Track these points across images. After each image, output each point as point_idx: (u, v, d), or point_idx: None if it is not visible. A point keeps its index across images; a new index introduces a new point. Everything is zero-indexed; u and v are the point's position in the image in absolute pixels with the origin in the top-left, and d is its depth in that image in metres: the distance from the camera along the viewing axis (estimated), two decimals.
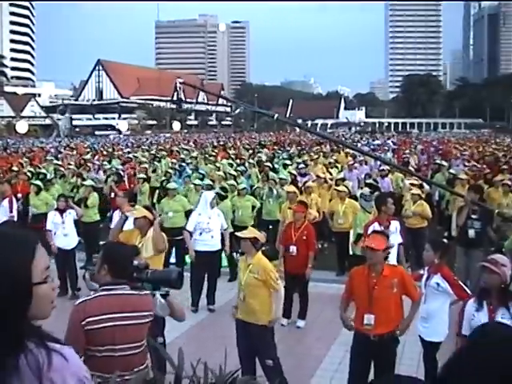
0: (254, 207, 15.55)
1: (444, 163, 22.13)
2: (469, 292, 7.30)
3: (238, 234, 8.20)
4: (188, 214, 13.38)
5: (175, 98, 10.08)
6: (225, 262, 13.80)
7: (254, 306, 7.68)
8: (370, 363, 7.00)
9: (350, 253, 12.94)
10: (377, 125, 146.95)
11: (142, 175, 19.72)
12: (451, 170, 20.03)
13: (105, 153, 36.62)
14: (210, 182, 16.86)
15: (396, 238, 10.11)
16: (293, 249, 10.79)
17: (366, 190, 13.50)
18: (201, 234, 11.73)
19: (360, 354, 7.04)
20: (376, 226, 9.86)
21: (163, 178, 19.53)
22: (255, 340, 7.68)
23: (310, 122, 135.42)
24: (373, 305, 6.70)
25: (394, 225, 10.36)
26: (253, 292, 7.71)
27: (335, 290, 11.82)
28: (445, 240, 8.01)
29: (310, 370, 8.72)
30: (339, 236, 14.39)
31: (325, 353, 9.32)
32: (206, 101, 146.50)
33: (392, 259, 9.51)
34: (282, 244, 11.18)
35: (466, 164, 23.93)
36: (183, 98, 9.03)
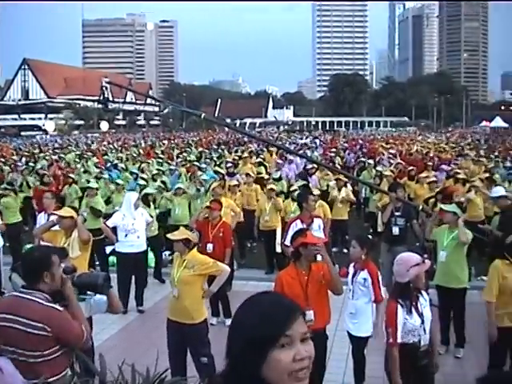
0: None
1: (370, 161, 22.52)
2: (383, 296, 7.45)
3: (170, 236, 8.12)
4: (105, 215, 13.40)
5: (101, 98, 10.01)
6: (153, 263, 13.80)
7: (187, 304, 7.61)
8: None
9: (278, 251, 13.03)
10: (305, 123, 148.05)
11: (72, 176, 19.49)
12: (377, 168, 20.37)
13: (30, 153, 36.00)
14: (144, 182, 16.83)
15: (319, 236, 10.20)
16: (209, 246, 10.82)
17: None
18: (126, 235, 11.62)
19: None
20: (298, 224, 9.95)
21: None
22: (189, 339, 7.64)
23: (238, 121, 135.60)
24: (309, 300, 6.68)
25: (317, 222, 10.44)
26: (186, 289, 7.65)
27: (265, 288, 11.84)
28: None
29: None
30: (266, 234, 14.43)
31: None
32: (134, 100, 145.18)
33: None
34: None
35: (392, 161, 24.35)
36: (110, 98, 8.93)
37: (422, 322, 5.90)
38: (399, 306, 5.90)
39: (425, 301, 6.06)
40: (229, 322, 10.58)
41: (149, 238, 12.56)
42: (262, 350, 1.88)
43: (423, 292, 6.14)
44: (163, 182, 17.52)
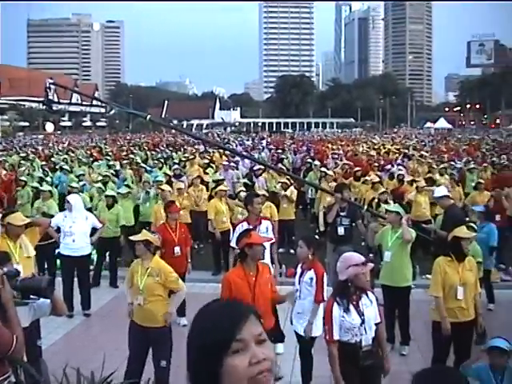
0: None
1: (316, 162, 22.67)
2: (325, 299, 7.52)
3: (132, 237, 8.07)
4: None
5: (46, 99, 9.86)
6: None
7: (153, 310, 7.55)
8: None
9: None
10: (252, 125, 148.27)
11: (23, 178, 19.15)
12: (323, 169, 20.51)
13: None
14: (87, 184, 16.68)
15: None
16: (177, 250, 10.79)
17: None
18: (64, 237, 11.52)
19: None
20: (245, 226, 9.97)
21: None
22: (154, 343, 7.56)
23: (185, 123, 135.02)
24: (256, 301, 6.69)
25: (265, 224, 10.47)
26: (153, 295, 7.58)
27: (212, 289, 11.96)
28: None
29: None
30: (223, 235, 14.05)
31: None
32: (79, 101, 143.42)
33: (266, 259, 9.71)
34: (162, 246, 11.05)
35: (338, 162, 24.55)
36: (55, 99, 8.81)
37: (363, 322, 5.96)
38: (335, 304, 5.98)
39: (369, 301, 6.12)
40: (183, 321, 10.59)
41: (105, 240, 12.62)
42: (217, 357, 1.79)
43: (369, 292, 6.22)
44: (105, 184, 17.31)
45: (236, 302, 2.01)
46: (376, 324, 6.18)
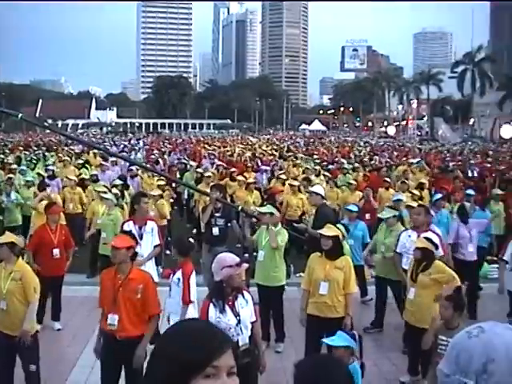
0: None
1: (192, 163, 22.71)
2: (192, 299, 7.62)
3: None
4: None
5: None
6: None
7: (17, 315, 7.28)
8: (121, 368, 6.84)
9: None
10: (128, 125, 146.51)
11: None
12: (199, 170, 20.57)
13: None
14: None
15: (152, 239, 10.18)
16: (56, 252, 10.53)
17: None
18: None
19: (108, 357, 6.83)
20: (130, 225, 9.90)
21: None
22: (20, 349, 7.26)
23: (60, 122, 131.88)
24: (117, 305, 6.65)
25: (150, 225, 10.39)
26: (16, 300, 7.30)
27: (86, 292, 11.77)
28: (190, 239, 8.27)
29: (63, 374, 8.57)
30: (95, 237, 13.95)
31: (78, 356, 9.12)
32: None
33: (148, 262, 9.68)
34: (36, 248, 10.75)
35: (216, 163, 24.66)
36: None
37: (239, 322, 6.05)
38: (211, 305, 6.04)
39: (245, 301, 6.20)
40: (57, 325, 10.34)
41: None
42: (186, 377, 1.75)
43: (245, 292, 6.31)
44: None
45: (216, 328, 1.96)
46: (252, 323, 6.28)
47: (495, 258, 12.65)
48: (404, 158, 30.39)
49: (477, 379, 1.81)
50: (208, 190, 12.63)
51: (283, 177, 18.47)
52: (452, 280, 8.14)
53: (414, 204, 11.84)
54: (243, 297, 6.20)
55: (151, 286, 6.94)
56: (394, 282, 10.38)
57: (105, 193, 13.89)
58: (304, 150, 42.95)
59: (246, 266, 6.35)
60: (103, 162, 23.14)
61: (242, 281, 6.34)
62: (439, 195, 14.02)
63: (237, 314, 6.05)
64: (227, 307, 6.05)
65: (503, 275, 10.47)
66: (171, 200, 17.49)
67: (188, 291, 7.58)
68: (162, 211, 14.34)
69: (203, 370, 1.76)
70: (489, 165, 29.23)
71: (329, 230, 8.13)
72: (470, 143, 75.58)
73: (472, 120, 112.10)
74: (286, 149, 39.91)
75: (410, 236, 9.85)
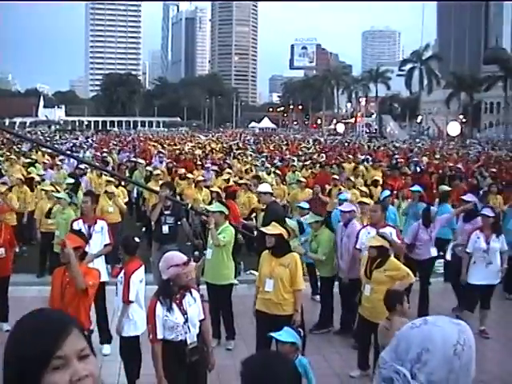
0: None
1: (141, 161, 22.58)
2: (131, 299, 7.58)
3: None
4: None
5: None
6: None
7: None
8: None
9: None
10: (77, 123, 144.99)
11: None
12: (148, 168, 20.47)
13: None
14: None
15: (102, 238, 10.09)
16: (1, 251, 10.35)
17: None
18: None
19: None
20: (80, 224, 9.84)
21: None
22: None
23: (7, 121, 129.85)
24: (64, 303, 6.62)
25: (100, 224, 10.30)
26: None
27: (36, 292, 11.63)
28: (136, 238, 8.21)
29: None
30: (46, 236, 13.75)
31: None
32: None
33: (98, 261, 9.58)
34: None
35: (166, 161, 24.54)
36: None
37: (186, 320, 6.04)
38: (158, 303, 6.03)
39: (193, 299, 6.19)
40: (5, 326, 10.22)
41: None
42: (35, 374, 1.65)
43: (193, 290, 6.32)
44: None
45: (58, 313, 1.88)
46: (200, 321, 6.29)
47: (441, 253, 12.83)
48: (351, 156, 30.60)
49: (411, 368, 1.85)
50: (157, 188, 12.59)
51: (226, 176, 18.47)
52: (406, 277, 8.28)
53: (367, 200, 12.02)
54: (191, 295, 6.19)
55: (99, 282, 6.93)
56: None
57: (57, 192, 13.75)
58: (253, 147, 43.02)
59: (193, 265, 6.36)
60: (46, 161, 22.82)
61: (191, 279, 6.34)
62: (387, 192, 14.20)
63: (184, 313, 6.04)
64: (174, 305, 6.04)
65: (465, 267, 10.58)
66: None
67: (127, 290, 7.54)
68: (121, 206, 14.36)
69: (48, 363, 1.67)
70: (436, 161, 29.74)
71: (271, 228, 8.18)
72: (417, 140, 76.87)
73: (420, 117, 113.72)
74: (235, 147, 39.96)
75: (369, 233, 9.93)
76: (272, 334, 5.74)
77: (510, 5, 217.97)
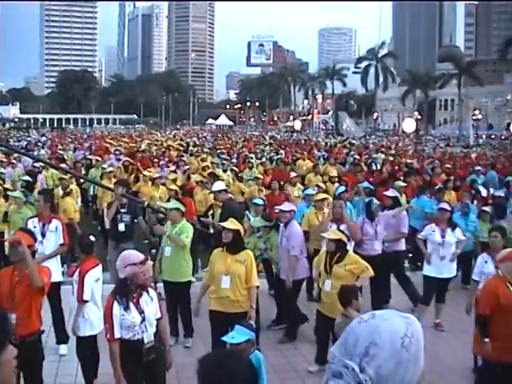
0: None
1: (98, 158, 22.38)
2: (86, 298, 7.49)
3: None
4: None
5: None
6: None
7: None
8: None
9: None
10: (32, 121, 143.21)
11: None
12: (104, 165, 20.30)
13: None
14: None
15: (56, 238, 9.93)
16: None
17: None
18: None
19: None
20: (35, 222, 9.72)
21: None
22: None
23: None
24: (14, 303, 6.47)
25: (55, 224, 10.10)
26: None
27: None
28: (92, 237, 8.14)
29: None
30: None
31: None
32: None
33: (52, 261, 9.46)
34: None
35: (121, 158, 24.33)
36: None
37: (144, 319, 6.02)
38: (115, 302, 6.00)
39: (150, 298, 6.17)
40: None
41: None
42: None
43: (150, 289, 6.29)
44: None
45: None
46: (157, 319, 6.27)
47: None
48: (306, 153, 30.70)
49: (360, 362, 1.87)
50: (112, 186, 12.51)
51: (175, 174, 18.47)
52: (366, 270, 8.36)
53: (323, 196, 12.16)
54: (148, 294, 6.18)
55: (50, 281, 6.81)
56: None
57: (11, 191, 13.57)
58: (210, 144, 42.94)
59: (150, 263, 6.35)
60: (3, 159, 22.50)
61: (149, 277, 6.32)
62: (342, 188, 14.30)
63: (141, 312, 6.03)
64: (131, 304, 6.02)
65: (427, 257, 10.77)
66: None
67: (82, 290, 7.48)
68: (66, 208, 14.14)
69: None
70: (391, 158, 29.99)
71: (230, 224, 8.20)
72: (373, 137, 77.56)
73: (375, 114, 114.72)
74: (192, 144, 39.83)
75: (331, 226, 9.98)
76: (225, 339, 5.72)
77: (463, 4, 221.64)
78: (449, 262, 10.58)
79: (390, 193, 12.60)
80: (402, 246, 12.11)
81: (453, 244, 10.57)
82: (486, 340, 6.64)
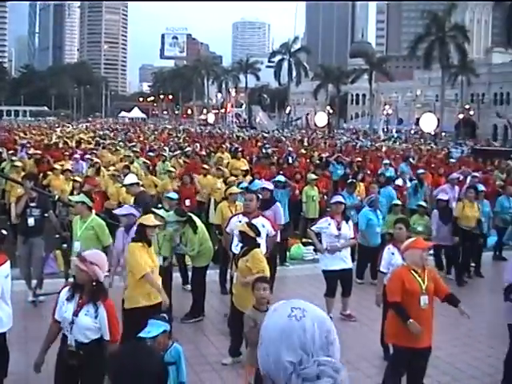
0: None
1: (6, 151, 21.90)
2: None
3: None
4: None
5: None
6: None
7: None
8: None
9: None
10: None
11: None
12: (14, 159, 19.84)
13: None
14: None
15: None
16: None
17: None
18: None
19: None
20: None
21: None
22: None
23: None
24: None
25: None
26: None
27: None
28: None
29: None
30: None
31: None
32: None
33: None
34: None
35: (29, 152, 23.76)
36: None
37: (72, 323, 5.80)
38: (67, 288, 6.01)
39: (93, 313, 5.91)
40: None
41: None
42: None
43: (102, 307, 6.15)
44: None
45: None
46: (100, 340, 6.13)
47: (310, 241, 13.13)
48: (217, 145, 30.82)
49: (328, 353, 1.93)
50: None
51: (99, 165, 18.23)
52: (262, 273, 8.14)
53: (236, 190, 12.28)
54: (95, 309, 5.91)
55: None
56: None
57: None
58: (123, 137, 42.57)
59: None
60: None
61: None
62: (257, 182, 14.43)
63: (75, 314, 5.82)
64: (74, 302, 5.86)
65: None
66: None
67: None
68: None
69: None
70: (304, 151, 30.43)
71: (152, 221, 8.28)
72: (286, 130, 78.33)
73: (288, 108, 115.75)
74: (104, 137, 39.39)
75: (240, 221, 10.00)
76: (141, 335, 5.72)
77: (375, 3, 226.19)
78: (345, 253, 10.77)
79: (268, 185, 12.63)
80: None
81: (348, 236, 10.78)
82: (411, 321, 6.75)
